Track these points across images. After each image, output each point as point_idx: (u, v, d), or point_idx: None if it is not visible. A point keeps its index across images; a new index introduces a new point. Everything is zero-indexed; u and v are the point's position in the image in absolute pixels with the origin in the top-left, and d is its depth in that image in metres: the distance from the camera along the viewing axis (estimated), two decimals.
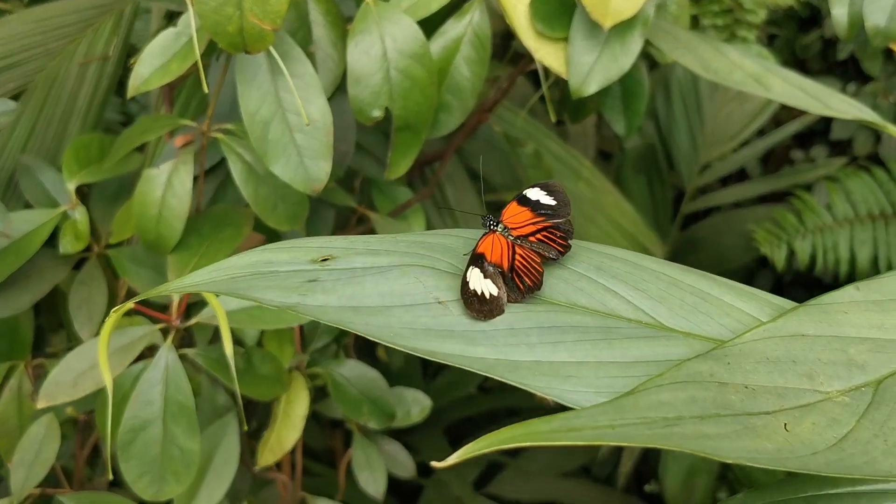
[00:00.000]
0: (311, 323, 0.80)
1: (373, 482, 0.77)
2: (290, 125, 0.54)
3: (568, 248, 0.34)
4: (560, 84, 0.74)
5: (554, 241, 0.34)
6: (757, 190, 1.38)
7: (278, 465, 0.81)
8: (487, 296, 0.30)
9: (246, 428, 0.62)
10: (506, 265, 0.32)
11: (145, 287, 0.66)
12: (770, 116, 1.33)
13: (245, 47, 0.49)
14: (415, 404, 0.85)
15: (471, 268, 0.31)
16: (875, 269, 1.11)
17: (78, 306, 0.66)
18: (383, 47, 0.56)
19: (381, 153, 0.75)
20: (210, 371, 0.60)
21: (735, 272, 1.27)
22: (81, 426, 0.69)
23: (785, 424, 0.24)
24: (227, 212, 0.62)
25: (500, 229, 0.34)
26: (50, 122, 0.76)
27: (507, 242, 0.34)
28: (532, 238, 0.34)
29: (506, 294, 0.31)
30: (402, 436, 0.92)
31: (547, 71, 0.63)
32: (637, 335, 0.28)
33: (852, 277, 1.14)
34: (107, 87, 0.79)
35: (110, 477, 0.52)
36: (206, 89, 0.50)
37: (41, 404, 0.53)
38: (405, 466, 0.84)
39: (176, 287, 0.27)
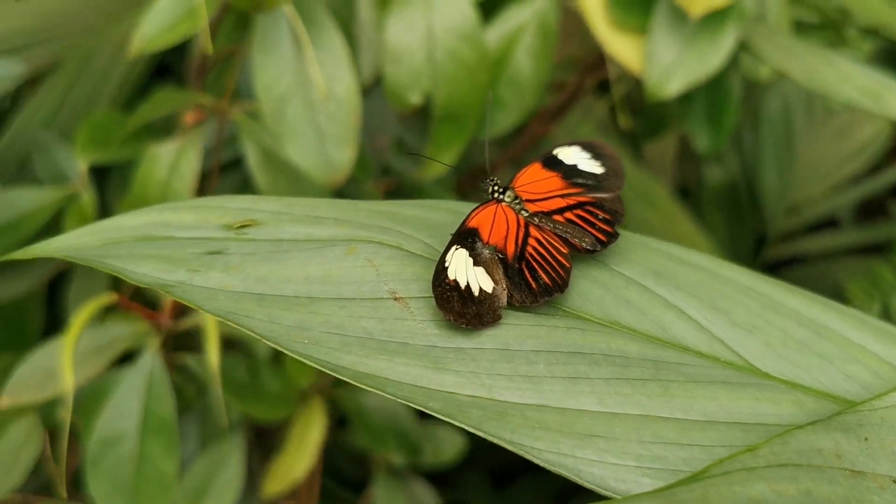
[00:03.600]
0: None
1: None
2: (312, 104, 0.46)
3: (614, 236, 0.24)
4: (635, 92, 0.65)
5: (592, 225, 0.24)
6: (849, 240, 1.26)
7: (294, 495, 0.73)
8: (476, 291, 0.21)
9: (247, 449, 0.54)
10: (511, 251, 0.22)
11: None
12: (868, 159, 1.21)
13: (257, 4, 0.41)
14: (448, 444, 0.76)
15: (455, 247, 0.22)
16: None
17: (76, 297, 0.60)
18: (428, 23, 0.48)
19: (422, 149, 0.67)
20: (206, 382, 0.52)
21: None
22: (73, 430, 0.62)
23: None
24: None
25: (508, 199, 0.25)
26: (78, 101, 0.71)
27: (519, 219, 0.24)
28: (558, 217, 0.24)
29: (506, 293, 0.21)
30: (443, 476, 0.84)
31: (619, 73, 0.55)
32: (711, 378, 0.19)
33: None
34: (141, 71, 0.74)
35: (64, 495, 0.45)
36: (209, 48, 0.43)
37: (3, 403, 0.46)
38: None
39: (38, 251, 0.19)
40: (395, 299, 0.18)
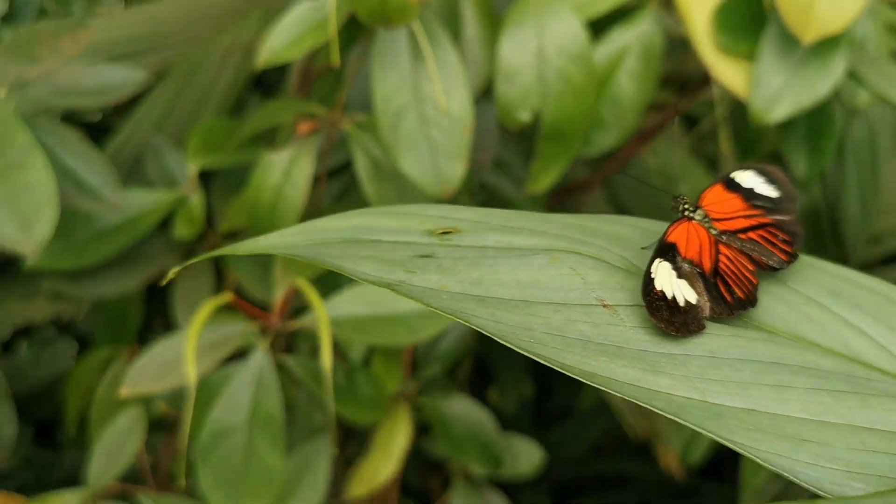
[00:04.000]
0: (426, 347, 0.73)
1: None
2: (426, 118, 0.48)
3: (794, 256, 0.25)
4: (732, 114, 0.66)
5: (773, 245, 0.25)
6: None
7: (372, 500, 0.75)
8: (682, 302, 0.22)
9: (336, 452, 0.55)
10: (707, 266, 0.24)
11: (252, 283, 0.61)
12: None
13: (385, 20, 0.43)
14: (525, 456, 0.76)
15: (658, 261, 0.23)
16: None
17: (182, 296, 0.62)
18: (540, 43, 0.49)
19: (520, 169, 0.69)
20: (308, 384, 0.54)
21: None
22: (171, 424, 0.65)
23: None
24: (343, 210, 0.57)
25: (698, 217, 0.26)
26: (186, 106, 0.74)
27: (709, 237, 0.25)
28: (743, 236, 0.26)
29: (708, 304, 0.23)
30: (504, 489, 0.84)
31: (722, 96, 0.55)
32: None
33: None
34: (245, 79, 0.77)
35: (183, 483, 0.47)
36: (336, 61, 0.45)
37: (123, 392, 0.48)
38: None
39: (247, 248, 0.21)
40: (604, 306, 0.20)
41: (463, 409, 0.69)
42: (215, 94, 0.75)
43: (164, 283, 0.30)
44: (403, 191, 0.53)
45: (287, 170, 0.52)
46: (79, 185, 0.53)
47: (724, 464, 1.00)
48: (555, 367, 0.18)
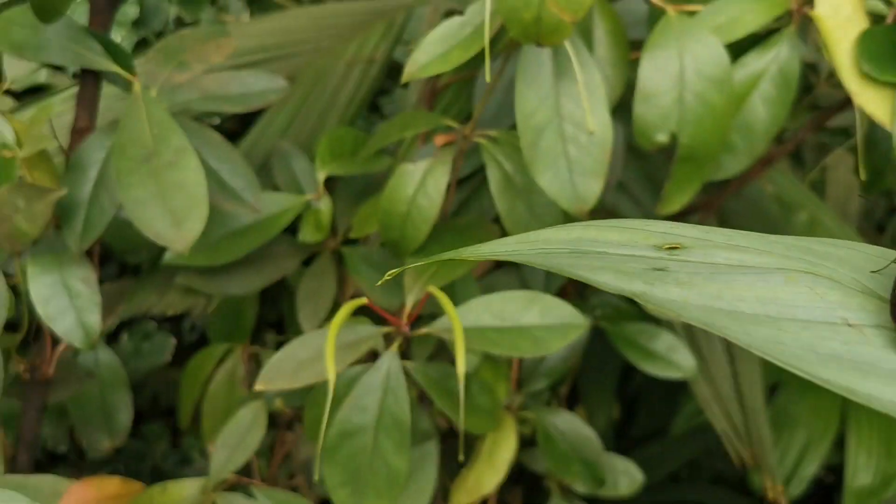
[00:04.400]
0: (532, 362, 0.74)
1: None
2: (565, 135, 0.49)
3: None
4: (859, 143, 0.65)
5: None
6: None
7: None
8: None
9: (461, 459, 0.56)
10: None
11: (373, 288, 0.63)
12: None
13: (538, 38, 0.44)
14: (624, 476, 0.76)
15: None
16: None
17: (306, 297, 0.64)
18: (681, 66, 0.49)
19: (639, 191, 0.69)
20: (429, 390, 0.55)
21: None
22: (286, 421, 0.67)
23: None
24: (472, 224, 0.58)
25: None
26: (310, 114, 0.77)
27: None
28: None
29: None
30: None
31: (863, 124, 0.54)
32: None
33: None
34: (368, 89, 0.79)
35: (316, 477, 0.48)
36: (488, 78, 0.46)
37: (258, 387, 0.50)
38: None
39: (472, 253, 0.22)
40: (850, 325, 0.20)
41: (569, 426, 0.69)
42: (339, 103, 0.77)
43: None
44: (533, 207, 0.54)
45: (422, 180, 0.54)
46: (222, 187, 0.56)
47: (822, 497, 0.98)
48: (815, 381, 0.18)
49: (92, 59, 0.54)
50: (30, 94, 0.84)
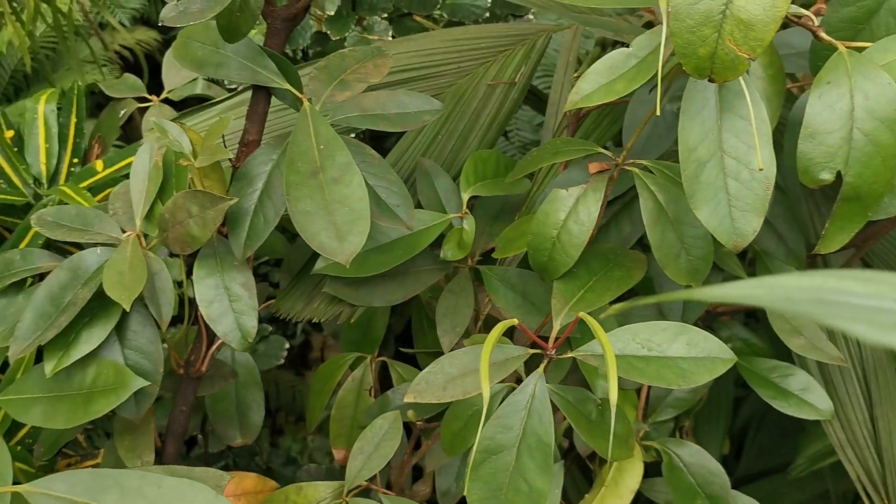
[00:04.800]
0: (659, 391, 0.73)
1: None
2: (726, 170, 0.49)
3: None
4: None
5: None
6: None
7: None
8: None
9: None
10: None
11: (510, 308, 0.64)
12: None
13: (711, 74, 0.44)
14: None
15: None
16: None
17: (444, 314, 0.66)
18: (851, 103, 0.49)
19: (783, 227, 0.67)
20: (564, 412, 0.56)
21: None
22: (417, 432, 0.68)
23: None
24: (619, 252, 0.58)
25: None
26: (451, 134, 0.78)
27: None
28: None
29: None
30: None
31: None
32: None
33: None
34: (508, 111, 0.80)
35: (465, 492, 0.49)
36: (658, 112, 0.46)
37: (408, 399, 0.52)
38: None
39: (708, 294, 0.22)
40: None
41: (695, 458, 0.68)
42: (480, 124, 0.79)
43: None
44: (684, 238, 0.54)
45: (574, 206, 0.55)
46: (378, 203, 0.58)
47: None
48: None
49: (266, 77, 0.57)
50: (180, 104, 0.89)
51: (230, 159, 0.60)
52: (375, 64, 0.63)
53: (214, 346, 0.64)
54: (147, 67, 1.49)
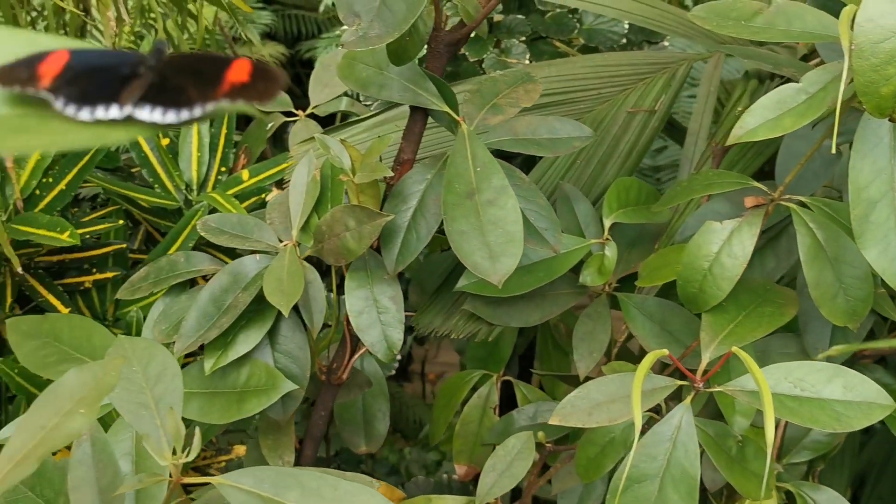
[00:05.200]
0: (796, 432, 0.72)
1: None
2: None
3: None
4: None
5: None
6: None
7: None
8: None
9: None
10: None
11: (647, 337, 0.64)
12: None
13: (893, 114, 0.44)
14: None
15: None
16: None
17: (581, 338, 0.66)
18: None
19: None
20: (704, 446, 0.55)
21: None
22: (546, 453, 0.69)
23: None
24: (769, 287, 0.58)
25: None
26: (590, 159, 0.79)
27: None
28: None
29: None
30: None
31: None
32: None
33: None
34: (648, 139, 0.80)
35: None
36: (833, 150, 0.46)
37: (553, 421, 0.52)
38: None
39: None
40: None
41: None
42: (620, 151, 0.79)
43: None
44: (843, 277, 0.53)
45: (728, 239, 0.54)
46: (526, 226, 0.59)
47: None
48: None
49: (427, 100, 0.59)
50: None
51: (384, 177, 0.62)
52: (526, 89, 0.64)
53: (357, 356, 0.66)
54: None
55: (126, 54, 0.26)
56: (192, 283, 0.68)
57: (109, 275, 0.81)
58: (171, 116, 0.25)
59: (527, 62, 0.96)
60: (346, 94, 0.96)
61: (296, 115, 0.91)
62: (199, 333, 0.59)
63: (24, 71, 0.24)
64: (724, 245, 0.55)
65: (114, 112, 0.24)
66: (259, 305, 0.61)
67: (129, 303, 0.81)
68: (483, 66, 0.97)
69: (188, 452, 0.39)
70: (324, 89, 0.91)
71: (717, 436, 0.57)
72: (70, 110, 0.24)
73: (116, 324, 0.83)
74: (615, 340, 0.70)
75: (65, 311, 0.76)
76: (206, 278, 0.67)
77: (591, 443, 0.59)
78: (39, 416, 0.30)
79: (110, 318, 0.83)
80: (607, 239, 0.67)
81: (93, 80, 0.24)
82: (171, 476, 0.39)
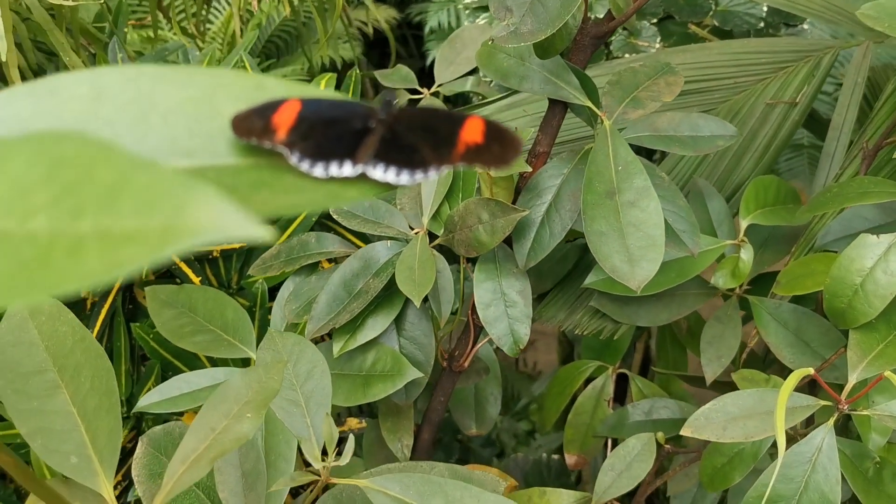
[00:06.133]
0: None
1: None
2: None
3: None
4: None
5: None
6: None
7: None
8: None
9: None
10: None
11: (780, 345, 0.61)
12: None
13: None
14: None
15: None
16: None
17: (709, 342, 0.65)
18: None
19: None
20: (840, 466, 0.53)
21: None
22: (664, 454, 0.68)
23: None
24: None
25: None
26: (724, 153, 0.76)
27: None
28: None
29: None
30: None
31: None
32: None
33: None
34: (788, 133, 0.77)
35: None
36: None
37: (684, 432, 0.51)
38: None
39: None
40: None
41: None
42: (756, 145, 0.76)
43: None
44: None
45: (884, 254, 0.51)
46: (665, 228, 0.57)
47: None
48: None
49: (568, 93, 0.57)
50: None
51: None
52: (667, 81, 0.62)
53: (480, 345, 0.66)
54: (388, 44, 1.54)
55: (355, 105, 0.26)
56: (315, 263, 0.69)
57: (236, 245, 0.84)
58: (405, 178, 0.24)
59: (658, 46, 0.92)
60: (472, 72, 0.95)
61: (421, 94, 0.90)
62: (329, 317, 0.59)
63: (258, 121, 0.23)
64: (881, 260, 0.52)
65: (347, 170, 0.23)
66: (387, 291, 0.61)
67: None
68: (611, 48, 0.95)
69: (340, 455, 0.40)
70: (449, 66, 0.90)
71: (854, 456, 0.55)
72: (305, 165, 0.23)
73: (240, 292, 0.85)
74: (744, 344, 0.68)
75: (195, 279, 0.79)
76: (330, 261, 0.68)
77: (718, 452, 0.57)
78: (209, 418, 0.31)
79: (234, 287, 0.86)
80: (743, 240, 0.64)
81: (326, 134, 0.24)
82: (320, 476, 0.40)
